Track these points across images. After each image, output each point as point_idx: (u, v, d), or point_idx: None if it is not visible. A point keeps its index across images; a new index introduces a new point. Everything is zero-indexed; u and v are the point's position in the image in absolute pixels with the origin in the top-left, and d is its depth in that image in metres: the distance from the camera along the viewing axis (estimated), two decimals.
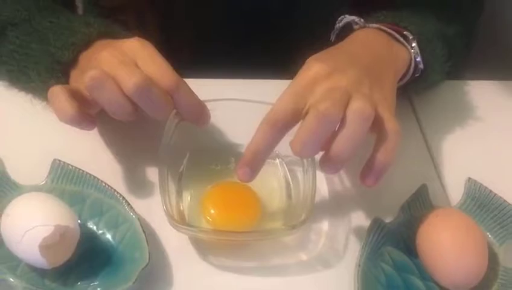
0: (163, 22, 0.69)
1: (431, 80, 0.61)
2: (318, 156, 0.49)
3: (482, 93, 0.67)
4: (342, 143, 0.46)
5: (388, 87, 0.53)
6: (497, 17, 0.79)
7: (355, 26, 0.59)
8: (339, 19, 0.61)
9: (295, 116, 0.47)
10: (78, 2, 0.77)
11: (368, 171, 0.47)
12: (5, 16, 0.62)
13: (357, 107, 0.46)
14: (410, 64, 0.57)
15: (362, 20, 0.59)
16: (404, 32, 0.57)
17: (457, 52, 0.64)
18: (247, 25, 0.69)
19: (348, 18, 0.60)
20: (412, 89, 0.61)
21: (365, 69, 0.51)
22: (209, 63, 0.61)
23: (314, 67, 0.50)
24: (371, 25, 0.58)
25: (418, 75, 0.58)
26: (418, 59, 0.57)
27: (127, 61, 0.48)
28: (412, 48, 0.57)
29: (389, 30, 0.57)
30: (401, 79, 0.57)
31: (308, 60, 0.51)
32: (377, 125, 0.47)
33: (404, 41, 0.57)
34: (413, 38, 0.57)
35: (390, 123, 0.47)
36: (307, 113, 0.47)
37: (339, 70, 0.49)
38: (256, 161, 0.47)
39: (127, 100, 0.47)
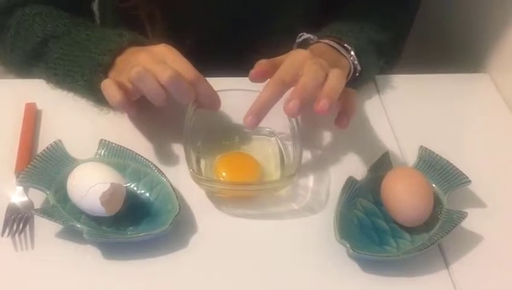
0: (168, 20, 0.80)
1: (367, 77, 0.77)
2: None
3: (429, 84, 0.82)
4: (333, 82, 0.61)
5: None
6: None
7: (311, 42, 0.75)
8: (299, 35, 0.76)
9: (295, 78, 0.62)
10: (96, 8, 0.90)
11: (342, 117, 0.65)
12: (48, 30, 0.74)
13: (337, 69, 0.63)
14: (350, 69, 0.73)
15: (316, 37, 0.75)
16: (345, 45, 0.73)
17: (387, 53, 0.80)
18: (234, 27, 0.83)
19: (305, 35, 0.75)
20: (355, 84, 0.74)
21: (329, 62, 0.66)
22: (206, 54, 0.73)
23: (303, 51, 0.66)
24: (321, 40, 0.74)
25: (358, 74, 0.74)
26: (356, 62, 0.73)
27: (160, 61, 0.62)
28: (351, 56, 0.73)
29: (334, 45, 0.73)
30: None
31: (296, 50, 0.68)
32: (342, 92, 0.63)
33: (345, 53, 0.73)
34: (352, 49, 0.73)
35: (350, 90, 0.66)
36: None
37: (318, 56, 0.65)
38: (262, 111, 0.60)
39: (162, 89, 0.61)
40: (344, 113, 0.66)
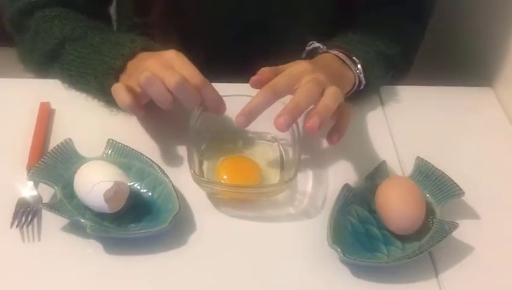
0: (181, 35, 0.82)
1: (371, 90, 0.79)
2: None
3: (432, 96, 0.84)
4: (327, 100, 0.63)
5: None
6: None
7: (320, 51, 0.77)
8: (308, 44, 0.78)
9: (287, 90, 0.65)
10: (114, 20, 0.94)
11: (333, 134, 0.66)
12: (66, 32, 0.77)
13: (334, 87, 0.65)
14: (355, 82, 0.75)
15: (325, 47, 0.77)
16: (353, 57, 0.75)
17: (396, 66, 0.82)
18: (245, 39, 0.85)
19: (315, 44, 0.78)
20: (358, 97, 0.77)
21: (330, 77, 0.68)
22: (218, 66, 0.75)
23: (304, 64, 0.68)
24: (330, 50, 0.76)
25: (362, 88, 0.76)
26: (361, 76, 0.75)
27: (168, 66, 0.65)
28: (358, 69, 0.74)
29: (342, 56, 0.75)
30: (347, 92, 0.75)
31: (299, 60, 0.70)
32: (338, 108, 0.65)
33: (351, 66, 0.74)
34: (359, 62, 0.75)
35: (346, 107, 0.66)
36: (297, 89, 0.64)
37: (318, 71, 0.67)
38: (251, 114, 0.63)
39: (169, 93, 0.63)
40: (336, 130, 0.66)
